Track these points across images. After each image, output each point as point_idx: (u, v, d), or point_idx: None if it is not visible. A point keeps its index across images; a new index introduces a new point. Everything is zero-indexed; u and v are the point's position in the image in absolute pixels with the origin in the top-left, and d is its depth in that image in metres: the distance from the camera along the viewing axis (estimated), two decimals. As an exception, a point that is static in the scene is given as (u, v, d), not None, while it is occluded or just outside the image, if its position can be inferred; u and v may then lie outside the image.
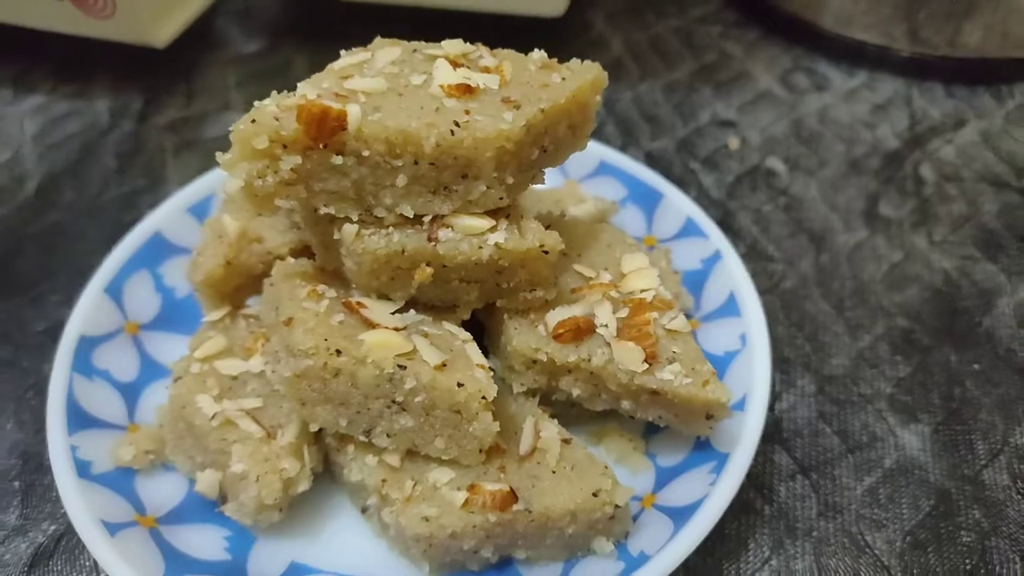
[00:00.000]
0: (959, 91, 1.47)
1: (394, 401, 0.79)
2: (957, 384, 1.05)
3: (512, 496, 0.79)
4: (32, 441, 0.99)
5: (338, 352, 0.78)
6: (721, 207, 1.27)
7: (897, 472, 0.97)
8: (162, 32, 1.32)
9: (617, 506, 0.80)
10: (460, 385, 0.77)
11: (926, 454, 0.99)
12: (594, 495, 0.79)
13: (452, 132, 0.75)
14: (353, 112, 0.75)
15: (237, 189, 0.77)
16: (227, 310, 0.96)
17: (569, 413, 0.93)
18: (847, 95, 1.47)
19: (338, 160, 0.76)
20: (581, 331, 0.85)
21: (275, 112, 0.75)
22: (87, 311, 0.99)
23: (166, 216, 1.10)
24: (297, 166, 0.76)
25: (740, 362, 0.94)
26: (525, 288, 0.85)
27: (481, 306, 0.88)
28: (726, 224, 1.24)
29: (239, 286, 0.96)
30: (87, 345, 0.97)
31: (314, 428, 0.83)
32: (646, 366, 0.82)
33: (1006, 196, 1.29)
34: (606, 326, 0.85)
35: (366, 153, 0.76)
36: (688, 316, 1.02)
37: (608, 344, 0.84)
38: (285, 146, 0.76)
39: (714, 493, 0.82)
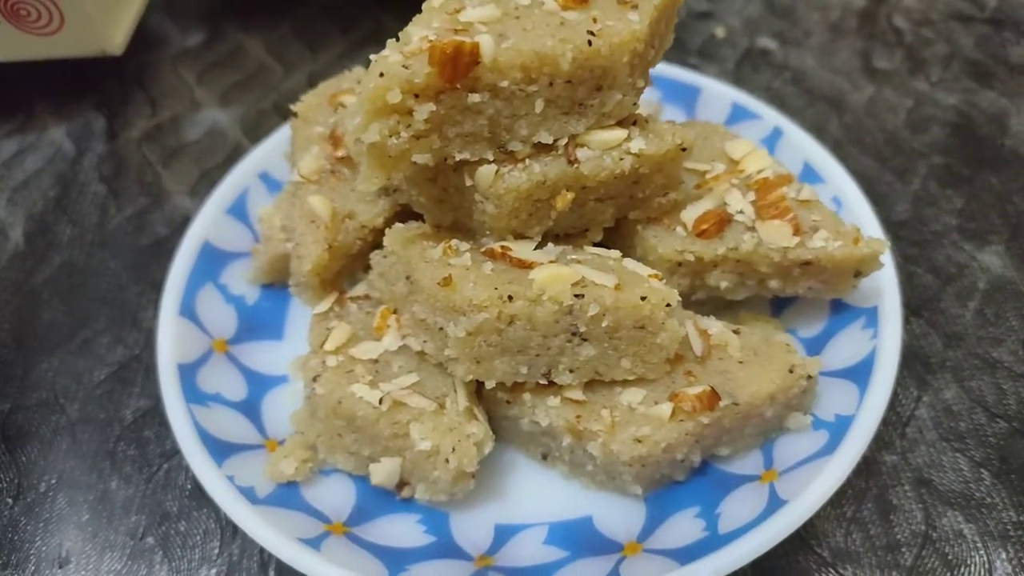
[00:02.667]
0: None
1: (574, 333, 0.77)
2: (1008, 203, 1.12)
3: (715, 394, 0.78)
4: (146, 492, 0.90)
5: (510, 298, 0.74)
6: (734, 93, 1.29)
7: (993, 291, 1.03)
8: (116, 37, 1.19)
9: (810, 377, 0.81)
10: (643, 299, 0.76)
11: (1010, 269, 1.05)
12: (790, 371, 0.80)
13: (589, 43, 0.72)
14: (485, 43, 0.70)
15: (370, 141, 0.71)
16: (335, 297, 0.90)
17: (701, 310, 0.93)
18: (800, -33, 1.51)
19: (474, 98, 0.72)
20: (723, 221, 0.84)
21: (401, 60, 0.70)
22: (172, 339, 0.91)
23: (208, 224, 1.01)
24: (431, 114, 0.71)
25: (843, 216, 0.96)
26: (659, 193, 0.84)
27: (613, 224, 0.86)
28: (745, 108, 1.26)
29: (339, 270, 0.90)
30: (188, 373, 0.89)
31: (490, 384, 0.80)
32: (796, 239, 0.83)
33: (977, 28, 1.37)
34: (742, 212, 0.85)
35: (504, 84, 0.72)
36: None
37: (751, 228, 0.84)
38: (417, 95, 0.70)
39: (884, 342, 0.85)
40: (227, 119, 1.29)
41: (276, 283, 1.00)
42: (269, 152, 1.07)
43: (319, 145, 0.93)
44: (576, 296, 0.75)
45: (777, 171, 0.89)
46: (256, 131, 1.10)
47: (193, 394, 0.87)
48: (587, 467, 0.82)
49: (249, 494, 0.80)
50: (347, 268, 0.92)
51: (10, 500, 0.90)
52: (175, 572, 0.85)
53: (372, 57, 0.71)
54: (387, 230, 0.85)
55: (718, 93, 1.11)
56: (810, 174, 1.02)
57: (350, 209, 0.89)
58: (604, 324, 0.76)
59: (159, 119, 1.29)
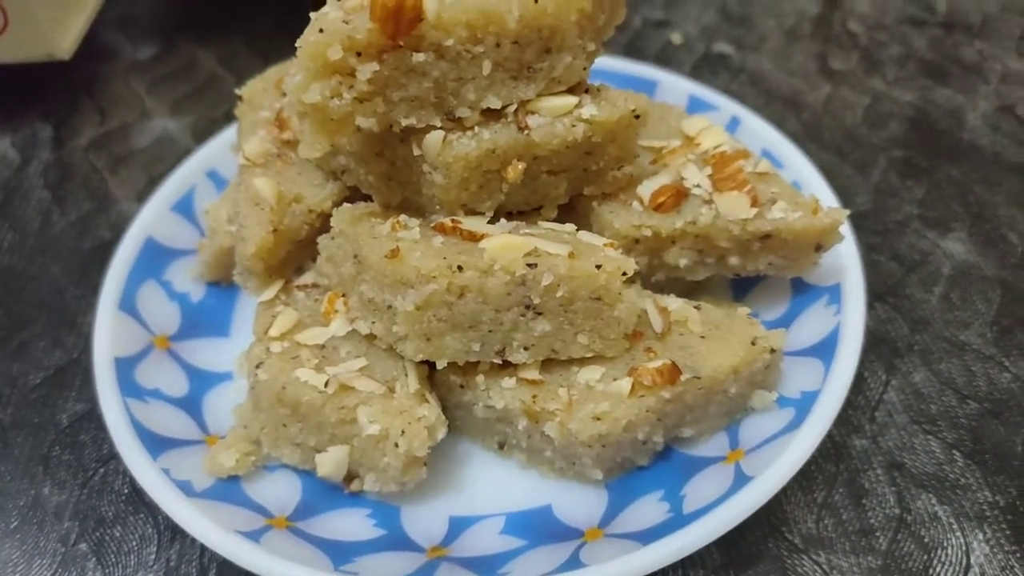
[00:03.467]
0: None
1: (528, 307, 0.74)
2: (969, 192, 1.12)
3: (676, 368, 0.75)
4: (80, 497, 0.85)
5: (460, 268, 0.71)
6: (692, 94, 1.29)
7: (958, 276, 1.02)
8: (64, 41, 1.17)
9: (774, 350, 0.78)
10: (599, 267, 0.73)
11: (974, 255, 1.04)
12: (752, 344, 0.77)
13: (536, 1, 0.70)
14: (428, -1, 0.68)
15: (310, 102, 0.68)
16: (280, 284, 0.86)
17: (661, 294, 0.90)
18: (753, -22, 1.53)
19: (419, 57, 0.70)
20: (680, 194, 0.82)
21: (342, 16, 0.67)
22: (110, 333, 0.86)
23: (153, 219, 0.98)
24: (375, 74, 0.69)
25: (803, 202, 0.95)
26: (613, 166, 0.82)
27: (567, 200, 0.83)
28: (703, 108, 1.26)
29: (286, 255, 0.86)
30: (125, 368, 0.84)
31: (442, 364, 0.76)
32: (755, 210, 0.81)
33: (929, 31, 1.38)
34: (699, 186, 0.83)
35: (448, 42, 0.70)
36: (727, 185, 1.02)
37: (708, 202, 0.82)
38: (359, 54, 0.68)
39: (848, 314, 0.82)
40: (178, 127, 1.26)
41: (223, 281, 0.96)
42: (218, 150, 1.04)
43: (265, 128, 0.90)
44: (529, 266, 0.72)
45: (734, 146, 0.87)
46: (208, 137, 1.07)
47: (130, 388, 0.83)
48: (545, 453, 0.78)
49: (185, 487, 0.75)
50: (294, 256, 0.88)
51: (-68, 508, 0.84)
52: (108, 578, 0.79)
53: (312, 15, 0.69)
54: (334, 210, 0.82)
55: (674, 86, 1.10)
56: (769, 160, 0.99)
57: (297, 192, 0.86)
58: (558, 295, 0.73)
59: (107, 127, 1.26)
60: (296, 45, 0.67)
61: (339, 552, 0.72)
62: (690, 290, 0.90)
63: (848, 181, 1.14)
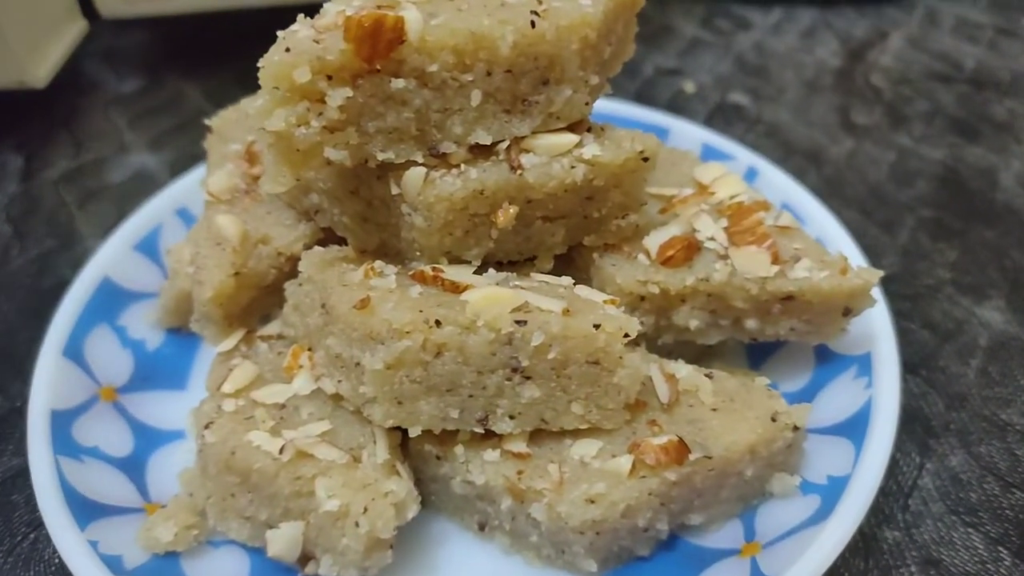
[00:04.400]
0: (868, 10, 1.50)
1: (515, 370, 0.64)
2: (1005, 256, 1.03)
3: (683, 445, 0.65)
4: (3, 566, 0.75)
5: (438, 323, 0.62)
6: (706, 144, 1.21)
7: (996, 348, 0.92)
8: (39, 70, 1.10)
9: (796, 428, 0.68)
10: (597, 327, 0.63)
11: (1013, 325, 0.94)
12: (772, 420, 0.67)
13: (533, 24, 0.62)
14: (412, 17, 0.60)
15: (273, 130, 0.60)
16: (241, 335, 0.77)
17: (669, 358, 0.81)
18: (772, 29, 1.47)
19: (398, 84, 0.62)
20: (691, 247, 0.73)
21: (313, 35, 0.59)
22: (49, 382, 0.77)
23: (112, 259, 0.89)
24: (347, 101, 0.61)
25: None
26: (617, 214, 0.73)
27: (565, 250, 0.74)
28: (717, 159, 1.18)
29: (250, 302, 0.78)
30: (62, 421, 0.75)
31: (415, 432, 0.66)
32: (776, 268, 0.72)
33: (957, 88, 1.31)
34: (713, 239, 0.74)
35: (432, 69, 0.62)
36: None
37: (724, 257, 0.73)
38: (330, 77, 0.60)
39: (881, 388, 0.73)
40: (156, 163, 1.19)
41: (184, 328, 0.87)
42: (189, 186, 0.96)
43: (234, 162, 0.82)
44: (517, 323, 0.63)
45: (753, 196, 0.79)
46: (181, 177, 0.99)
47: (65, 445, 0.73)
48: (531, 537, 0.68)
49: (114, 564, 0.65)
50: (259, 303, 0.79)
51: None
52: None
53: (280, 33, 0.61)
54: (304, 254, 0.73)
55: (688, 134, 1.03)
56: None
57: (264, 233, 0.78)
58: (550, 357, 0.64)
59: (82, 160, 1.19)
60: (259, 65, 0.59)
61: (284, 650, 0.62)
62: (701, 355, 0.81)
63: (874, 241, 1.05)
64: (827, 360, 0.80)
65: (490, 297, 0.64)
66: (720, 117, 1.27)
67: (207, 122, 0.87)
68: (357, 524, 0.63)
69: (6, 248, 1.05)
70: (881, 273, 0.73)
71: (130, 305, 0.88)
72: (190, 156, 1.20)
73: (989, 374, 0.89)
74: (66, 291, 0.86)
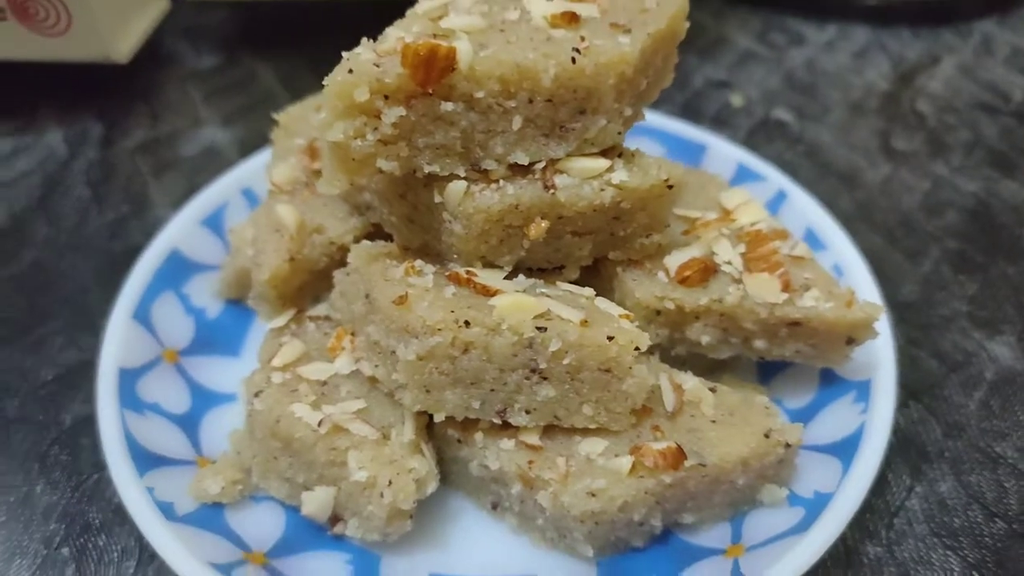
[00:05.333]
0: (924, 33, 1.52)
1: (533, 370, 0.71)
2: (1023, 293, 1.06)
3: (681, 452, 0.71)
4: (70, 500, 0.84)
5: (467, 324, 0.69)
6: (744, 160, 1.25)
7: (1001, 383, 0.96)
8: (123, 45, 1.19)
9: (788, 445, 0.74)
10: (610, 339, 0.70)
11: (1020, 362, 0.98)
12: (765, 436, 0.73)
13: (573, 60, 0.68)
14: (464, 48, 0.67)
15: (333, 140, 0.67)
16: (292, 314, 0.85)
17: (681, 368, 0.86)
18: (825, 47, 1.49)
19: (447, 107, 0.68)
20: (708, 269, 0.79)
21: (374, 59, 0.66)
22: (119, 341, 0.86)
23: (181, 232, 0.98)
24: (400, 119, 0.68)
25: (843, 291, 0.91)
26: (641, 233, 0.79)
27: (591, 262, 0.81)
28: (754, 175, 1.22)
29: (302, 284, 0.85)
30: (129, 379, 0.84)
31: (439, 418, 0.74)
32: (785, 296, 0.77)
33: (1002, 120, 1.33)
34: (730, 263, 0.80)
35: (479, 95, 0.68)
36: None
37: (738, 280, 0.79)
38: (387, 97, 0.67)
39: (873, 417, 0.78)
40: (227, 139, 1.27)
41: (242, 300, 0.96)
42: (256, 169, 1.04)
43: (297, 156, 0.90)
44: (538, 328, 0.70)
45: (772, 225, 0.84)
46: (253, 152, 1.07)
47: (130, 400, 0.82)
48: (537, 521, 0.75)
49: (166, 509, 0.73)
50: (310, 286, 0.87)
51: (-73, 495, 0.84)
52: (85, 588, 0.78)
53: (344, 54, 0.68)
54: (352, 247, 0.81)
55: (724, 152, 1.07)
56: (812, 240, 0.96)
57: (319, 223, 0.85)
58: (566, 362, 0.70)
59: (158, 132, 1.28)
60: (323, 83, 0.66)
61: (309, 600, 0.70)
62: (713, 367, 0.87)
63: (896, 268, 1.09)
64: (830, 382, 0.85)
65: (515, 303, 0.70)
66: (763, 133, 1.31)
67: (275, 116, 0.95)
68: (382, 495, 0.71)
69: (85, 210, 1.14)
70: (883, 309, 0.78)
71: (194, 275, 0.97)
72: (257, 135, 1.28)
73: (990, 407, 0.93)
74: (137, 257, 0.95)
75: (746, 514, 0.77)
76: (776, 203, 1.01)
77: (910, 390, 0.95)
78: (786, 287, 0.77)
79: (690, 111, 1.35)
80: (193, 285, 0.96)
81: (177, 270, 0.96)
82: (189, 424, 0.85)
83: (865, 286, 0.89)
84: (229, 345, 0.94)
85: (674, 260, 0.80)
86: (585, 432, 0.75)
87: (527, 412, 0.74)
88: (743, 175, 1.05)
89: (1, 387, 0.93)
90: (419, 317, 0.69)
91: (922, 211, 1.17)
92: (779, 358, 0.82)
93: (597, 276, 0.83)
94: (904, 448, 0.89)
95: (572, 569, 0.75)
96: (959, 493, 0.86)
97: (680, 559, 0.74)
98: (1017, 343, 1.00)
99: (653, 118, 1.12)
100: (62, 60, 1.19)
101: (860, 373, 0.83)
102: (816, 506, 0.73)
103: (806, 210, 0.99)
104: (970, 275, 1.08)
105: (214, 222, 1.01)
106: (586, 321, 0.71)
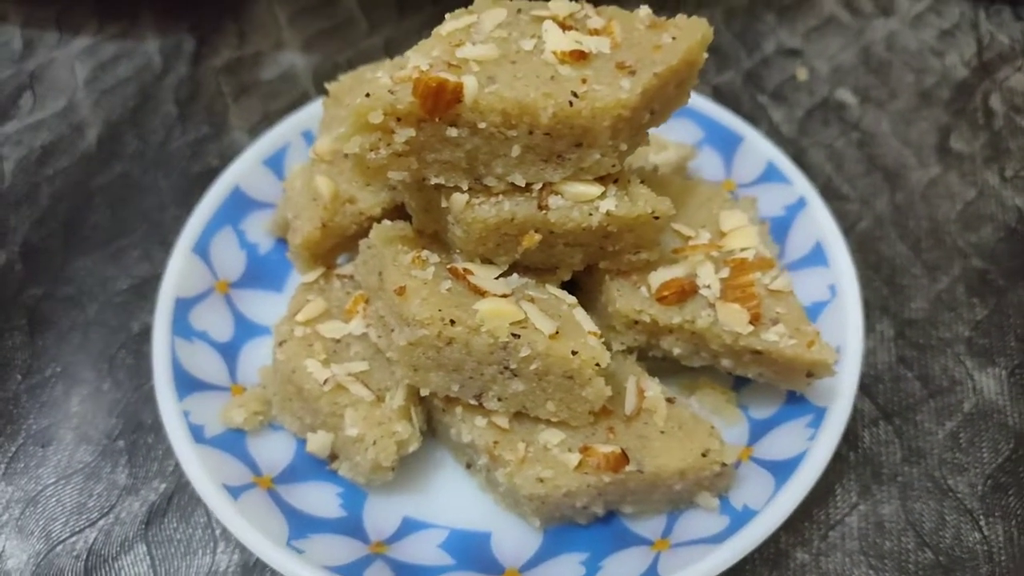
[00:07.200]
0: (1028, 15, 1.44)
1: (506, 367, 0.81)
2: (1033, 327, 1.07)
3: (624, 458, 0.81)
4: (130, 400, 1.01)
5: (452, 322, 0.79)
6: (793, 144, 1.26)
7: (977, 416, 1.00)
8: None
9: (724, 464, 0.83)
10: (574, 353, 0.79)
11: (1004, 398, 1.01)
12: (703, 455, 0.82)
13: (570, 103, 0.74)
14: (470, 84, 0.73)
15: (347, 155, 0.76)
16: (322, 271, 0.97)
17: (662, 366, 0.94)
18: (914, 20, 1.43)
19: (452, 132, 0.76)
20: (685, 292, 0.85)
21: (390, 85, 0.74)
22: (179, 273, 1.00)
23: (243, 170, 1.09)
24: (411, 138, 0.75)
25: (831, 313, 0.95)
26: (630, 251, 0.86)
27: (583, 268, 0.88)
28: (799, 162, 1.22)
29: (333, 247, 0.96)
30: (183, 307, 0.98)
31: (425, 393, 0.85)
32: (751, 328, 0.83)
33: (1078, 128, 1.28)
34: (709, 287, 0.86)
35: (482, 125, 0.75)
36: (771, 265, 1.03)
37: (712, 305, 0.85)
38: (399, 119, 0.75)
39: (815, 448, 0.85)
40: (303, 65, 1.36)
41: (290, 239, 1.08)
42: (315, 112, 1.13)
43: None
44: (513, 335, 0.79)
45: (760, 253, 0.89)
46: (326, 80, 1.15)
47: (181, 328, 0.96)
48: (499, 488, 0.87)
49: (197, 432, 0.89)
50: (341, 247, 0.98)
51: (19, 377, 1.03)
52: (133, 477, 0.96)
53: (368, 76, 0.75)
54: (374, 225, 0.91)
55: (758, 148, 1.10)
56: (818, 255, 1.00)
57: (352, 194, 0.95)
58: (533, 367, 0.80)
59: (243, 52, 1.37)
60: (346, 103, 0.74)
61: (300, 524, 0.85)
62: (690, 369, 0.94)
63: (912, 282, 1.11)
64: (795, 401, 0.92)
65: (496, 310, 0.79)
66: (820, 114, 1.30)
67: (327, 85, 1.03)
68: (367, 451, 0.84)
69: (170, 128, 1.27)
70: (837, 357, 0.83)
71: (252, 212, 1.09)
72: (332, 64, 1.36)
73: (957, 439, 0.98)
74: (213, 178, 1.06)
75: (682, 512, 0.87)
76: (795, 209, 1.05)
77: (886, 411, 1.00)
78: (755, 319, 0.84)
79: (752, 80, 1.35)
80: (250, 221, 1.08)
81: (237, 206, 1.08)
82: (230, 352, 0.99)
83: (851, 314, 0.93)
84: (274, 281, 1.07)
85: (657, 277, 0.87)
86: (549, 423, 0.85)
87: (499, 400, 0.84)
88: (770, 174, 1.08)
89: (85, 292, 1.10)
90: (412, 311, 0.80)
91: (958, 222, 1.17)
92: (744, 376, 0.89)
93: (590, 277, 0.91)
94: (861, 465, 0.96)
95: (522, 532, 0.87)
96: (899, 518, 0.93)
97: (613, 542, 0.85)
98: (1007, 377, 1.03)
99: (700, 101, 1.15)
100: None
101: (823, 398, 0.89)
102: (740, 520, 0.82)
103: (821, 223, 1.02)
104: (983, 299, 1.10)
105: (275, 162, 1.12)
106: (556, 333, 0.79)
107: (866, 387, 1.02)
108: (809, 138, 1.27)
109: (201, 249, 1.03)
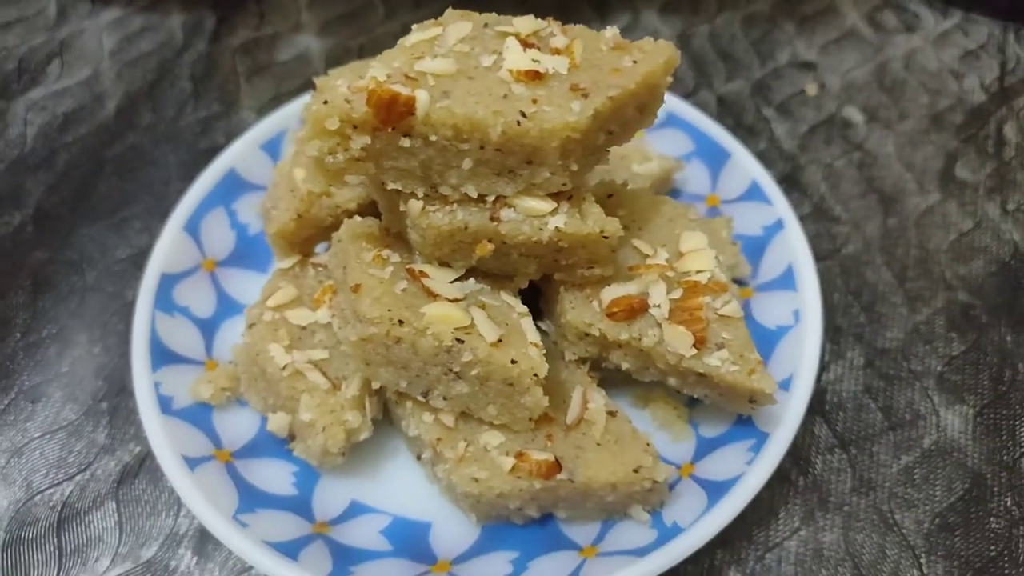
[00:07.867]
0: (1061, 39, 1.39)
1: (450, 370, 0.84)
2: (1009, 366, 1.06)
3: (556, 466, 0.84)
4: (116, 365, 1.07)
5: (400, 322, 0.82)
6: (791, 160, 1.25)
7: (935, 453, 0.99)
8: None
9: (656, 482, 0.85)
10: (514, 362, 0.81)
11: (966, 437, 1.00)
12: (635, 471, 0.84)
13: (518, 123, 0.76)
14: (422, 98, 0.76)
15: (310, 155, 0.80)
16: (297, 258, 1.01)
17: (616, 377, 0.96)
18: (937, 38, 1.40)
19: (406, 142, 0.78)
20: (634, 310, 0.87)
21: (346, 95, 0.76)
22: (168, 249, 1.05)
23: (240, 153, 1.13)
24: (366, 145, 0.78)
25: (791, 339, 0.96)
26: (583, 265, 0.87)
27: (539, 277, 0.90)
28: (794, 179, 1.23)
29: (309, 236, 1.00)
30: (168, 283, 1.03)
31: (376, 386, 0.89)
32: (694, 351, 0.85)
33: (1093, 164, 1.24)
34: (659, 307, 0.87)
35: (433, 137, 0.77)
36: (744, 284, 1.04)
37: (659, 325, 0.87)
38: (355, 127, 0.77)
39: (750, 472, 0.86)
40: (317, 48, 1.40)
41: (280, 221, 1.12)
42: (316, 100, 1.17)
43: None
44: (456, 340, 0.82)
45: (716, 278, 0.90)
46: (337, 65, 1.18)
47: (164, 302, 1.02)
48: (440, 482, 0.91)
49: (165, 402, 0.94)
50: (318, 236, 1.02)
51: (18, 335, 1.10)
52: (111, 438, 1.02)
53: (320, 82, 0.79)
54: (345, 221, 0.94)
55: (745, 166, 1.10)
56: (788, 279, 1.01)
57: (329, 188, 0.98)
58: (474, 372, 0.83)
59: (260, 33, 1.42)
60: (303, 107, 0.78)
61: (250, 499, 0.90)
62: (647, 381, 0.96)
63: (890, 311, 1.10)
64: (742, 423, 0.93)
65: (442, 315, 0.82)
66: (823, 132, 1.29)
67: (315, 79, 1.06)
68: (317, 436, 0.88)
69: (183, 104, 1.32)
70: (776, 388, 0.84)
71: (245, 194, 1.13)
72: (343, 50, 1.39)
73: (911, 475, 0.98)
74: (216, 157, 1.11)
75: (617, 522, 0.89)
76: (772, 231, 1.05)
77: (843, 439, 1.00)
78: (699, 343, 0.85)
79: (760, 91, 1.34)
80: (242, 202, 1.13)
81: (231, 188, 1.12)
82: (209, 328, 1.04)
83: (809, 344, 0.94)
84: (259, 261, 1.11)
85: (609, 293, 0.88)
86: (492, 425, 0.88)
87: (444, 399, 0.87)
88: (754, 193, 1.08)
89: (86, 259, 1.16)
90: (364, 309, 0.83)
91: (948, 253, 1.15)
92: (690, 394, 0.90)
93: (549, 285, 0.93)
94: (809, 491, 0.97)
95: (460, 526, 0.91)
96: (839, 548, 0.93)
97: (544, 544, 0.88)
98: (973, 416, 1.02)
99: (695, 113, 1.15)
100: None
101: (768, 424, 0.90)
102: (666, 536, 0.84)
103: (795, 248, 1.02)
104: (963, 334, 1.08)
105: (272, 146, 1.16)
106: (499, 341, 0.82)
107: (827, 413, 1.02)
108: (809, 155, 1.26)
109: (192, 227, 1.08)
